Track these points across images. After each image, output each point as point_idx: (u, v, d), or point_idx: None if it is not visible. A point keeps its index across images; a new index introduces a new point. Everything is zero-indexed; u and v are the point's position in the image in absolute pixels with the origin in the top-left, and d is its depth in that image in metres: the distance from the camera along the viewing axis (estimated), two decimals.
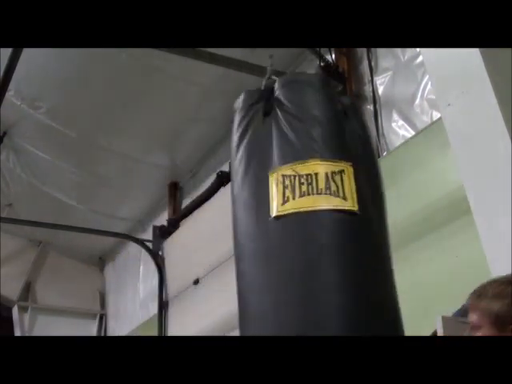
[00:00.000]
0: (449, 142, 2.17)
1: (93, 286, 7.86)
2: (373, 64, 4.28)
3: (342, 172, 1.64)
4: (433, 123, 3.52)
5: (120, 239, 7.25)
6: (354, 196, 1.62)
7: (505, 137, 1.77)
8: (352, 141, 1.75)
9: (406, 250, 3.38)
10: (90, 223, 6.51)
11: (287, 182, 1.62)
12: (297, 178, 1.62)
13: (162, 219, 6.53)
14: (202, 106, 5.33)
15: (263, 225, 1.63)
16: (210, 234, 5.12)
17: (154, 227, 6.44)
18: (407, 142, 3.73)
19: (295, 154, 1.67)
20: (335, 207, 1.59)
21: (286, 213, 1.59)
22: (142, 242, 6.49)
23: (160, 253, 6.27)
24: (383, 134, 4.03)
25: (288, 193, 1.60)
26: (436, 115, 3.55)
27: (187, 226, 5.95)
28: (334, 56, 4.46)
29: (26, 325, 7.24)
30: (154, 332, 5.90)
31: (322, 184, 1.60)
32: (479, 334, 1.40)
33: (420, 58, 3.74)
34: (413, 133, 3.76)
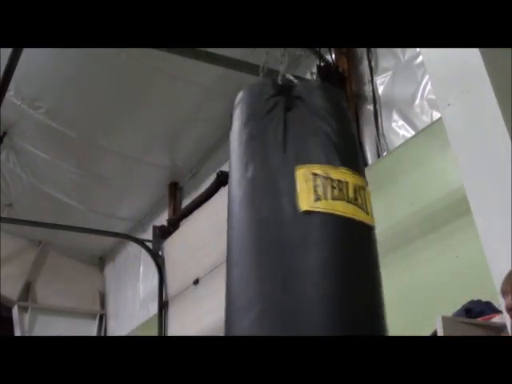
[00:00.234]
0: (449, 142, 2.17)
1: (93, 286, 7.86)
2: (373, 64, 4.28)
3: (364, 188, 1.69)
4: (433, 123, 3.52)
5: (120, 239, 7.26)
6: (372, 213, 1.68)
7: (505, 137, 1.77)
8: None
9: (406, 250, 3.39)
10: (89, 223, 6.52)
11: (318, 181, 1.63)
12: (328, 180, 1.63)
13: (162, 219, 6.53)
14: (202, 106, 5.34)
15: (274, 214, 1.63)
16: (209, 234, 5.12)
17: (154, 227, 6.45)
18: (407, 142, 3.74)
19: (324, 156, 1.69)
20: (363, 220, 1.64)
21: (317, 210, 1.59)
22: (142, 242, 6.49)
23: (160, 253, 6.27)
24: (383, 134, 4.03)
25: (320, 192, 1.61)
26: (436, 115, 3.55)
27: (187, 226, 5.95)
28: (334, 56, 4.46)
29: (26, 325, 7.24)
30: (153, 332, 5.91)
31: (351, 194, 1.64)
32: None
33: (420, 58, 3.75)
34: (413, 133, 3.76)
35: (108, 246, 7.70)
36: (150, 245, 6.40)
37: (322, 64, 4.39)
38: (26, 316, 7.30)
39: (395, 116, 3.98)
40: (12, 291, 7.29)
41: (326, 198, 1.61)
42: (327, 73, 4.37)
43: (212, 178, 5.51)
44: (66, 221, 6.50)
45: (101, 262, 8.11)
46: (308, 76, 4.58)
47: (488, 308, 2.24)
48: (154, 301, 6.24)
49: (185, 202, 6.37)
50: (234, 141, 1.84)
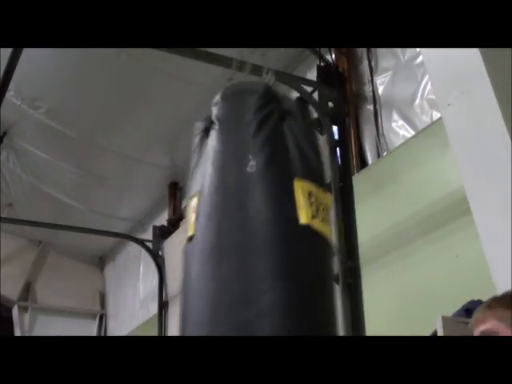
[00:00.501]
0: (449, 142, 2.17)
1: (93, 286, 7.86)
2: (373, 64, 4.28)
3: (191, 205, 1.74)
4: (433, 123, 3.52)
5: (120, 239, 7.25)
6: (192, 220, 1.71)
7: (505, 137, 1.77)
8: (204, 163, 1.82)
9: (406, 249, 3.39)
10: (89, 223, 6.51)
11: (313, 200, 1.69)
12: (319, 201, 1.71)
13: (162, 219, 6.53)
14: (202, 106, 5.32)
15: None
16: None
17: (154, 227, 6.45)
18: (407, 141, 3.74)
19: (314, 175, 1.75)
20: (185, 241, 1.71)
21: (313, 227, 1.66)
22: (142, 242, 6.49)
23: (160, 253, 6.27)
24: (383, 134, 4.03)
25: (314, 211, 1.67)
26: (436, 115, 3.56)
27: None
28: (334, 56, 4.46)
29: (26, 325, 7.24)
30: (154, 332, 5.91)
31: (328, 216, 1.71)
32: None
33: (420, 58, 3.75)
34: (413, 133, 3.76)
35: (108, 246, 7.70)
36: (150, 245, 6.39)
37: (321, 64, 4.40)
38: (26, 316, 7.29)
39: (395, 116, 3.98)
40: (12, 291, 7.29)
41: (318, 218, 1.67)
42: (327, 73, 4.37)
43: None
44: (66, 221, 6.50)
45: (101, 262, 8.11)
46: (308, 76, 4.59)
47: None
48: (153, 301, 6.24)
49: (185, 202, 6.37)
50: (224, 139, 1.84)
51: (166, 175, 6.49)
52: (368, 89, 4.28)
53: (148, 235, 6.59)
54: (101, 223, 6.69)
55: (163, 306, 6.03)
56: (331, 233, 1.73)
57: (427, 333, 2.22)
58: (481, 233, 1.97)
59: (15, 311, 7.30)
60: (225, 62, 4.04)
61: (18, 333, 7.16)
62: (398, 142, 3.89)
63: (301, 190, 1.71)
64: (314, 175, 1.79)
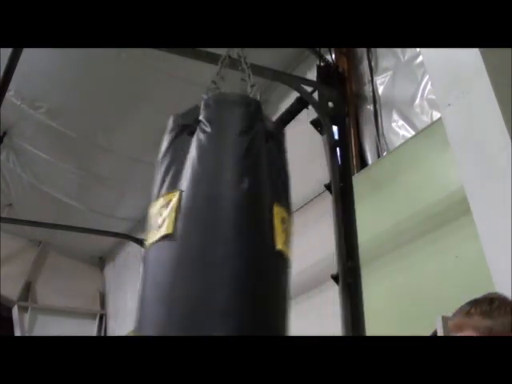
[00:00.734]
0: (449, 142, 2.17)
1: (93, 286, 7.86)
2: (373, 64, 4.28)
3: (169, 202, 1.76)
4: (433, 123, 3.52)
5: (120, 239, 7.25)
6: (171, 220, 1.72)
7: (505, 137, 1.76)
8: (189, 165, 1.83)
9: (406, 249, 3.39)
10: (89, 223, 6.51)
11: (285, 226, 1.82)
12: (289, 227, 1.85)
13: None
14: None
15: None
16: None
17: None
18: (407, 141, 3.74)
19: (287, 199, 1.91)
20: (155, 239, 1.73)
21: (285, 253, 1.82)
22: (141, 242, 6.48)
23: None
24: (383, 134, 4.03)
25: (285, 237, 1.83)
26: (436, 115, 3.55)
27: None
28: (334, 56, 4.46)
29: (26, 325, 7.24)
30: None
31: (153, 221, 1.77)
32: None
33: (420, 58, 3.74)
34: (413, 133, 3.76)
35: (108, 246, 7.70)
36: None
37: (322, 64, 4.40)
38: (26, 316, 7.30)
39: (395, 116, 3.98)
40: (12, 291, 7.29)
41: (287, 243, 1.84)
42: (327, 73, 4.37)
43: None
44: (66, 221, 6.50)
45: (101, 262, 8.11)
46: (308, 76, 4.59)
47: None
48: None
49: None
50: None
51: None
52: (368, 89, 4.28)
53: None
54: (101, 223, 6.69)
55: None
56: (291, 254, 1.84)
57: (427, 333, 2.22)
58: (481, 233, 1.97)
59: (15, 311, 7.30)
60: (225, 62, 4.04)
61: (18, 333, 7.16)
62: (398, 141, 3.89)
63: (278, 216, 1.81)
64: (287, 200, 1.92)
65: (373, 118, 4.13)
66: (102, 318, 7.71)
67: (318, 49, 4.40)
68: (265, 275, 1.73)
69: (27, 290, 7.45)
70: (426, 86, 3.71)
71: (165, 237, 1.70)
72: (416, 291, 3.26)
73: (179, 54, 4.01)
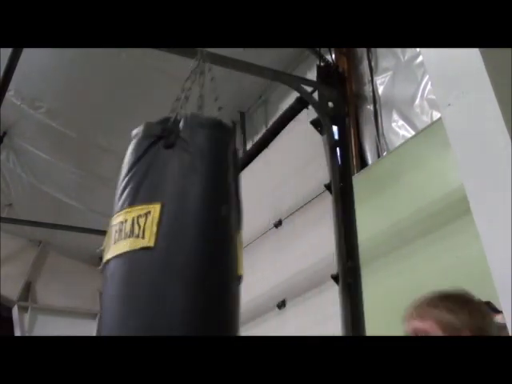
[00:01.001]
0: (449, 142, 2.17)
1: (93, 286, 7.85)
2: (373, 64, 4.28)
3: (147, 213, 1.76)
4: (433, 123, 3.52)
5: None
6: (152, 232, 1.73)
7: (505, 137, 1.76)
8: (170, 177, 1.85)
9: (406, 249, 3.39)
10: (90, 223, 6.51)
11: (109, 232, 1.84)
12: (113, 227, 1.82)
13: None
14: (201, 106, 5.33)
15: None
16: None
17: None
18: (407, 141, 3.74)
19: (117, 205, 1.87)
20: (131, 248, 1.74)
21: (105, 261, 1.82)
22: None
23: None
24: (383, 134, 4.03)
25: (108, 242, 1.83)
26: (436, 115, 3.55)
27: None
28: (334, 56, 4.46)
29: (26, 325, 7.24)
30: None
31: (128, 228, 1.77)
32: None
33: (420, 58, 3.74)
34: (413, 133, 3.76)
35: None
36: None
37: (322, 64, 4.40)
38: (26, 316, 7.29)
39: (395, 116, 3.98)
40: (12, 291, 7.29)
41: (110, 245, 1.83)
42: (327, 73, 4.37)
43: None
44: (66, 221, 6.50)
45: (101, 262, 8.10)
46: (308, 76, 4.59)
47: (488, 308, 2.24)
48: None
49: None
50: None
51: None
52: (368, 89, 4.28)
53: None
54: (101, 223, 6.68)
55: None
56: (128, 241, 1.81)
57: None
58: (481, 233, 1.97)
59: (15, 311, 7.30)
60: (225, 62, 4.04)
61: (18, 333, 7.16)
62: (398, 141, 3.89)
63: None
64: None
65: (373, 118, 4.13)
66: None
67: (317, 49, 4.41)
68: (228, 301, 1.81)
69: (27, 290, 7.45)
70: (426, 86, 3.71)
71: (145, 248, 1.71)
72: (416, 291, 3.26)
73: (179, 54, 4.01)
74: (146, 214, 1.75)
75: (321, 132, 4.31)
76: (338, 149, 4.20)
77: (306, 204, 4.35)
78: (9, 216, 6.83)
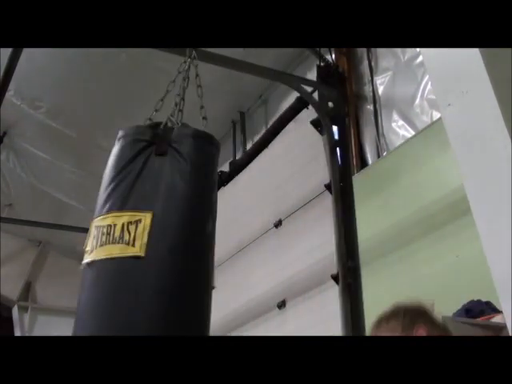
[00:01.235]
0: (449, 142, 2.17)
1: None
2: (373, 64, 4.28)
3: (138, 221, 1.77)
4: (433, 123, 3.52)
5: None
6: (142, 241, 1.74)
7: (505, 137, 1.76)
8: (163, 186, 1.86)
9: (406, 249, 3.39)
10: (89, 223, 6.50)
11: (95, 233, 1.82)
12: (99, 229, 1.82)
13: None
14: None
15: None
16: None
17: None
18: (407, 141, 3.74)
19: (104, 206, 1.88)
20: (120, 254, 1.74)
21: (89, 261, 1.81)
22: None
23: None
24: (383, 134, 4.03)
25: (94, 242, 1.80)
26: (436, 115, 3.55)
27: None
28: (334, 56, 4.46)
29: (26, 325, 7.24)
30: None
31: (117, 233, 1.77)
32: None
33: (420, 58, 3.74)
34: (413, 133, 3.76)
35: None
36: None
37: (322, 64, 4.40)
38: (26, 316, 7.29)
39: (395, 116, 3.98)
40: (12, 291, 7.29)
41: (96, 247, 1.82)
42: (327, 73, 4.37)
43: None
44: (65, 221, 6.49)
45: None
46: (308, 76, 4.59)
47: (488, 308, 2.24)
48: None
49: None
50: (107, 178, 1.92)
51: None
52: (368, 89, 4.28)
53: None
54: None
55: None
56: (117, 247, 1.83)
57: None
58: (481, 233, 1.97)
59: (15, 311, 7.30)
60: (225, 62, 4.05)
61: (18, 333, 7.16)
62: (398, 141, 3.89)
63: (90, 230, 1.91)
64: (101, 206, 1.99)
65: (373, 118, 4.13)
66: None
67: (318, 49, 4.41)
68: (205, 314, 1.86)
69: (27, 290, 7.45)
70: (426, 86, 3.71)
71: (135, 257, 1.72)
72: (416, 291, 3.26)
73: (179, 54, 4.01)
74: (137, 222, 1.76)
75: (321, 132, 4.31)
76: (338, 149, 4.20)
77: (306, 204, 4.35)
78: (9, 216, 6.83)
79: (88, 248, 1.80)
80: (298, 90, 4.32)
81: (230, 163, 5.55)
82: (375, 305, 3.55)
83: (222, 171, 5.43)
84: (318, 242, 4.13)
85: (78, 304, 1.82)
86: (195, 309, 1.80)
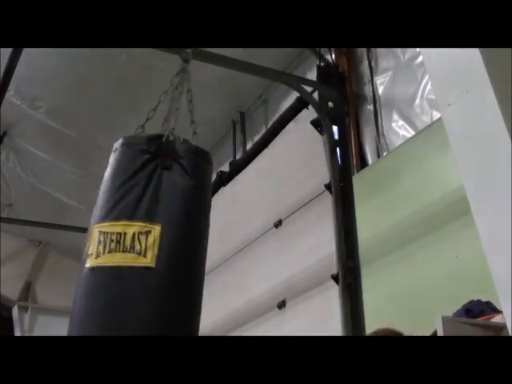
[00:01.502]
0: (449, 142, 2.17)
1: None
2: (373, 64, 4.28)
3: (148, 232, 1.81)
4: (433, 123, 3.52)
5: None
6: (153, 253, 1.79)
7: (505, 137, 1.76)
8: (170, 200, 1.91)
9: (406, 249, 3.39)
10: None
11: (101, 238, 1.84)
12: (107, 235, 1.84)
13: None
14: (202, 106, 5.33)
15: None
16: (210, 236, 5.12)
17: None
18: (407, 141, 3.73)
19: (111, 213, 1.89)
20: (132, 264, 1.78)
21: (96, 265, 1.83)
22: None
23: None
24: (383, 134, 4.03)
25: (101, 248, 1.82)
26: (436, 115, 3.55)
27: None
28: (334, 56, 4.46)
29: (26, 325, 7.24)
30: None
31: (128, 242, 1.80)
32: None
33: (420, 58, 3.74)
34: (413, 133, 3.76)
35: None
36: None
37: (322, 64, 4.40)
38: (26, 316, 7.29)
39: (395, 116, 3.98)
40: (12, 291, 7.29)
41: (104, 253, 1.85)
42: (327, 73, 4.37)
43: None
44: (65, 221, 6.49)
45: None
46: (308, 76, 4.59)
47: (488, 308, 2.24)
48: None
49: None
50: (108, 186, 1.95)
51: None
52: (368, 89, 4.28)
53: None
54: None
55: None
56: (129, 255, 1.85)
57: (427, 333, 2.22)
58: (481, 233, 1.97)
59: (15, 311, 7.30)
60: (225, 62, 4.05)
61: (18, 333, 7.16)
62: (398, 141, 3.89)
63: (92, 235, 1.95)
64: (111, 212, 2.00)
65: (373, 118, 4.13)
66: None
67: (318, 49, 4.40)
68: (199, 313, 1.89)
69: (27, 290, 7.45)
70: (426, 86, 3.71)
71: (147, 268, 1.75)
72: (416, 291, 3.26)
73: (179, 54, 4.00)
74: (147, 233, 1.79)
75: (321, 132, 4.31)
76: (338, 149, 4.20)
77: (306, 204, 4.35)
78: (9, 216, 6.83)
79: (91, 252, 1.81)
80: (298, 90, 4.32)
81: (230, 163, 5.55)
82: (375, 305, 3.55)
83: (222, 171, 5.43)
84: (318, 242, 4.13)
85: (78, 307, 1.83)
86: (195, 314, 1.86)
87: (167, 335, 1.66)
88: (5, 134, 6.05)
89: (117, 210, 1.85)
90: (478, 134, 1.94)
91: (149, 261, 1.75)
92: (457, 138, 2.05)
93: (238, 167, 5.39)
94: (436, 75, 2.15)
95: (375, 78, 4.23)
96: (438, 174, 3.33)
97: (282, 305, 4.33)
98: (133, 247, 1.77)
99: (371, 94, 4.21)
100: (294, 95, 4.59)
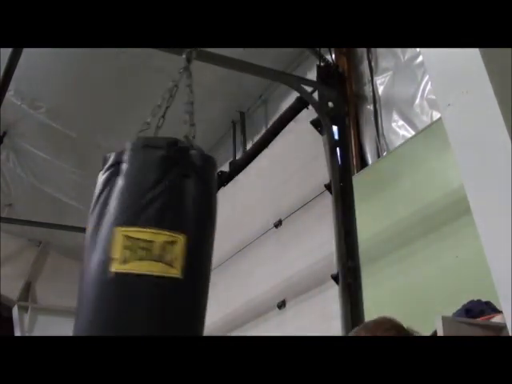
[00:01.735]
0: (449, 142, 2.17)
1: None
2: (373, 64, 4.28)
3: (174, 242, 1.80)
4: (433, 123, 3.52)
5: None
6: (181, 264, 1.79)
7: (505, 137, 1.76)
8: (191, 209, 1.90)
9: (406, 249, 3.39)
10: None
11: (128, 243, 1.80)
12: (135, 241, 1.80)
13: None
14: (202, 106, 5.33)
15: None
16: None
17: None
18: (407, 142, 3.74)
19: (138, 218, 1.85)
20: (162, 274, 1.77)
21: (123, 271, 1.78)
22: None
23: None
24: (383, 134, 4.03)
25: (128, 253, 1.78)
26: (436, 115, 3.55)
27: None
28: (334, 56, 4.46)
29: (26, 325, 7.24)
30: None
31: (156, 251, 1.78)
32: None
33: (420, 58, 3.74)
34: (413, 133, 3.76)
35: None
36: None
37: (322, 64, 4.40)
38: (26, 316, 7.29)
39: (395, 116, 3.98)
40: (12, 291, 7.29)
41: (132, 260, 1.81)
42: (327, 73, 4.37)
43: None
44: (65, 221, 6.49)
45: None
46: (308, 76, 4.59)
47: (488, 308, 2.24)
48: None
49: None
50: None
51: None
52: (368, 89, 4.28)
53: None
54: None
55: None
56: (156, 264, 1.85)
57: (427, 333, 2.22)
58: (481, 233, 1.97)
59: (15, 311, 7.30)
60: (225, 62, 4.05)
61: (18, 333, 7.16)
62: (398, 141, 3.89)
63: (116, 238, 1.91)
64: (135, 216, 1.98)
65: (373, 118, 4.13)
66: None
67: (318, 49, 4.40)
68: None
69: (27, 290, 7.45)
70: (426, 86, 3.71)
71: (175, 279, 1.77)
72: (416, 291, 3.27)
73: (179, 54, 4.00)
74: (173, 243, 1.79)
75: (321, 132, 4.31)
76: (338, 149, 4.20)
77: (306, 204, 4.35)
78: (9, 216, 6.83)
79: (117, 256, 1.77)
80: (298, 90, 4.32)
81: (230, 163, 5.55)
82: (375, 305, 3.55)
83: (222, 171, 5.43)
84: (318, 242, 4.13)
85: (92, 309, 1.82)
86: (203, 319, 1.90)
87: (167, 335, 1.66)
88: (5, 134, 6.05)
89: (144, 216, 1.82)
90: (478, 134, 1.95)
91: (177, 272, 1.76)
92: (457, 138, 2.05)
93: (237, 167, 5.39)
94: (436, 75, 2.15)
95: (375, 78, 4.22)
96: (438, 174, 3.33)
97: (282, 305, 4.33)
98: (162, 257, 1.77)
99: (371, 93, 4.21)
100: (294, 95, 4.59)
